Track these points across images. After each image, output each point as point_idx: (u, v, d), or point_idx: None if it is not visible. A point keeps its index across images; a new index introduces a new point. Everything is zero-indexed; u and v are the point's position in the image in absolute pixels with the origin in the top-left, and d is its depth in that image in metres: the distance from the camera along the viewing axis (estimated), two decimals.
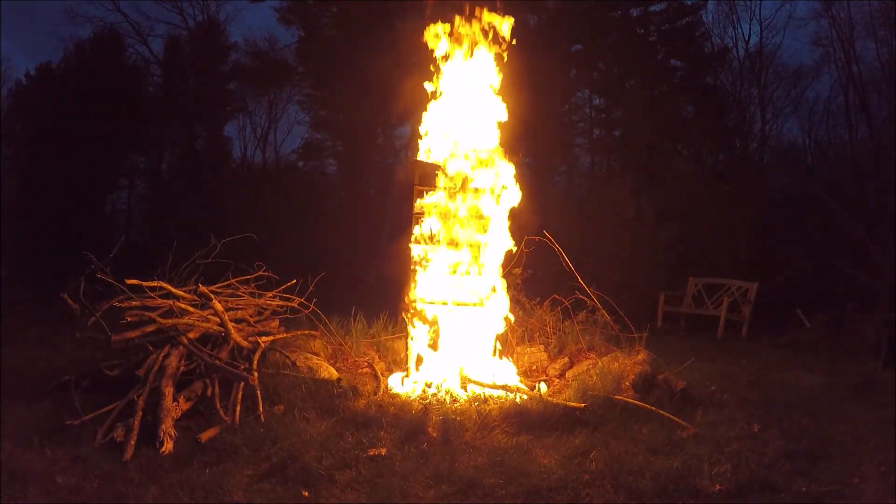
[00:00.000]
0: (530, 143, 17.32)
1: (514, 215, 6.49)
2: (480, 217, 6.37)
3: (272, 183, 19.21)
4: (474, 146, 6.48)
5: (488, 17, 6.57)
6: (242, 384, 4.99)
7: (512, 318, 6.44)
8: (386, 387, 5.57)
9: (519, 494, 3.73)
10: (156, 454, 4.16)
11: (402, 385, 5.80)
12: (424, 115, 6.63)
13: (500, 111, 6.54)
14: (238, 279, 6.61)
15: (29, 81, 21.57)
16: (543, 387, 5.87)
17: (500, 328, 6.28)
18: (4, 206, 16.98)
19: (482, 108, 6.57)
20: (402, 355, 6.28)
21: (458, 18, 6.55)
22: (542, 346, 6.73)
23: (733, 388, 6.03)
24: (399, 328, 7.00)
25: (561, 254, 6.69)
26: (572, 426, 4.73)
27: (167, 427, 4.34)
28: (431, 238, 6.32)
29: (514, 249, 6.44)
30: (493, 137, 6.53)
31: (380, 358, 6.59)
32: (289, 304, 6.73)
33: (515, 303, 7.02)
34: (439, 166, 6.46)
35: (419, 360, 5.99)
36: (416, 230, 6.33)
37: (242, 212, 14.72)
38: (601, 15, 19.64)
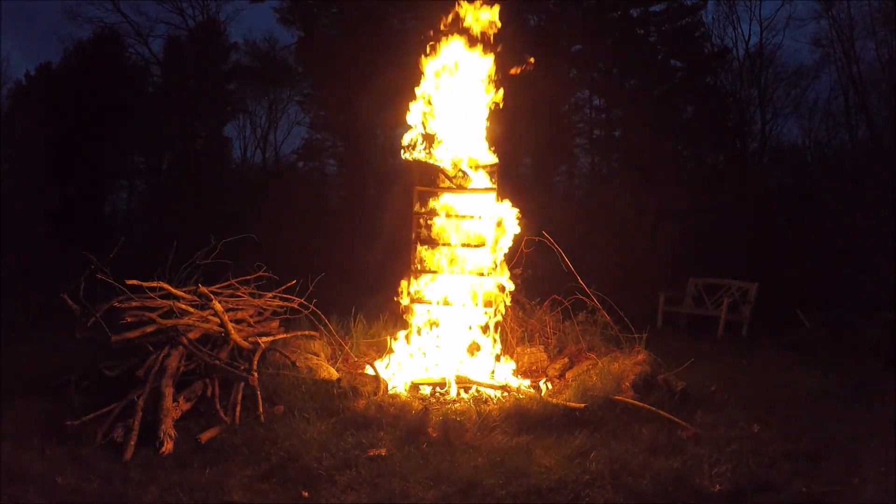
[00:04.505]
0: (530, 144, 17.32)
1: (512, 215, 6.50)
2: (478, 218, 6.39)
3: (272, 183, 19.20)
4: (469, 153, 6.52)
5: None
6: (242, 384, 5.00)
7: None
8: (386, 387, 5.57)
9: (519, 495, 3.74)
10: (156, 454, 4.17)
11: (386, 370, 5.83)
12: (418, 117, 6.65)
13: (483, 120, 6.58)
14: (238, 280, 6.61)
15: (29, 81, 21.58)
16: (543, 387, 5.87)
17: (498, 329, 6.29)
18: (4, 206, 16.96)
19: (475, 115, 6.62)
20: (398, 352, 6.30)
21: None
22: (541, 347, 6.73)
23: (733, 388, 6.03)
24: (399, 328, 7.00)
25: (561, 254, 6.69)
26: (572, 426, 4.73)
27: (167, 427, 4.34)
28: (431, 241, 6.35)
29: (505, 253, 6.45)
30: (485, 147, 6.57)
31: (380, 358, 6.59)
32: (289, 304, 6.73)
33: (515, 303, 7.03)
34: (439, 167, 6.48)
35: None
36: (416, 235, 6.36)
37: (242, 212, 14.71)
38: (601, 15, 19.65)
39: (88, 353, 5.85)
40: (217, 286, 6.20)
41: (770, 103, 19.71)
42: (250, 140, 23.10)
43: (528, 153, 18.54)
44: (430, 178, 6.54)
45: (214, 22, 21.72)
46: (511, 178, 6.61)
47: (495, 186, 6.48)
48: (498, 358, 6.20)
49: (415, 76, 6.68)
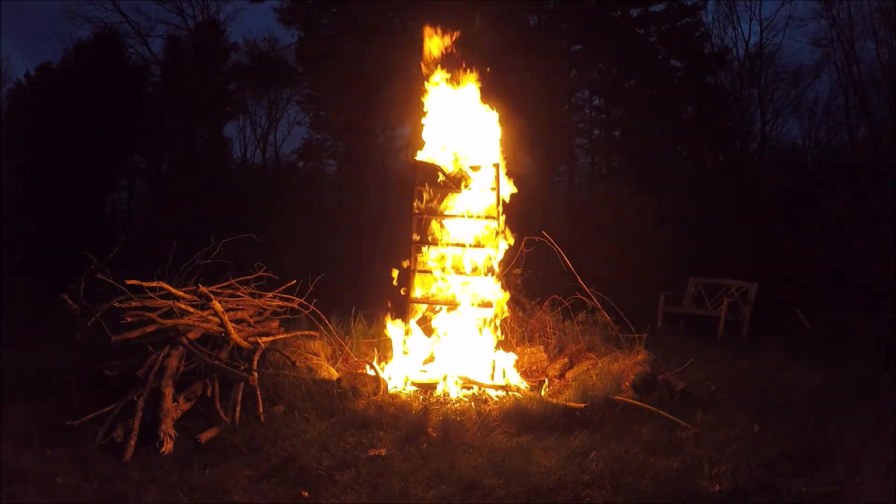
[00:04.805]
0: (530, 144, 17.31)
1: (513, 216, 6.51)
2: (478, 218, 6.40)
3: (272, 183, 19.19)
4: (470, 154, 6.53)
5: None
6: (242, 384, 5.00)
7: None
8: (386, 387, 5.57)
9: (519, 495, 3.74)
10: (156, 454, 4.16)
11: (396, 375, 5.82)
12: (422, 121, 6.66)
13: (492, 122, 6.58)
14: (238, 279, 6.61)
15: (29, 81, 21.55)
16: (543, 387, 5.87)
17: (499, 330, 6.28)
18: (4, 206, 16.97)
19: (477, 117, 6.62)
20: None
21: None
22: (541, 347, 6.74)
23: (733, 388, 6.03)
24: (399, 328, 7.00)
25: (560, 254, 6.70)
26: (572, 426, 4.73)
27: (167, 427, 4.34)
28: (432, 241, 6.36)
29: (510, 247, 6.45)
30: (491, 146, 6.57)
31: (380, 358, 6.59)
32: (289, 304, 6.73)
33: (515, 303, 7.03)
34: (439, 167, 6.48)
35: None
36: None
37: (242, 212, 14.71)
38: (601, 15, 19.63)
39: (88, 353, 5.85)
40: (217, 286, 6.20)
41: (770, 103, 19.71)
42: (250, 140, 23.12)
43: (528, 153, 18.52)
44: (430, 178, 6.55)
45: (214, 22, 21.70)
46: (511, 179, 6.60)
47: (495, 186, 6.47)
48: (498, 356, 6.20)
49: (414, 79, 6.69)
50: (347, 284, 9.70)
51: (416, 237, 6.49)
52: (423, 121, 6.67)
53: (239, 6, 25.76)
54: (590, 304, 6.95)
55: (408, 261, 6.41)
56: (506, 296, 6.41)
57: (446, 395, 5.54)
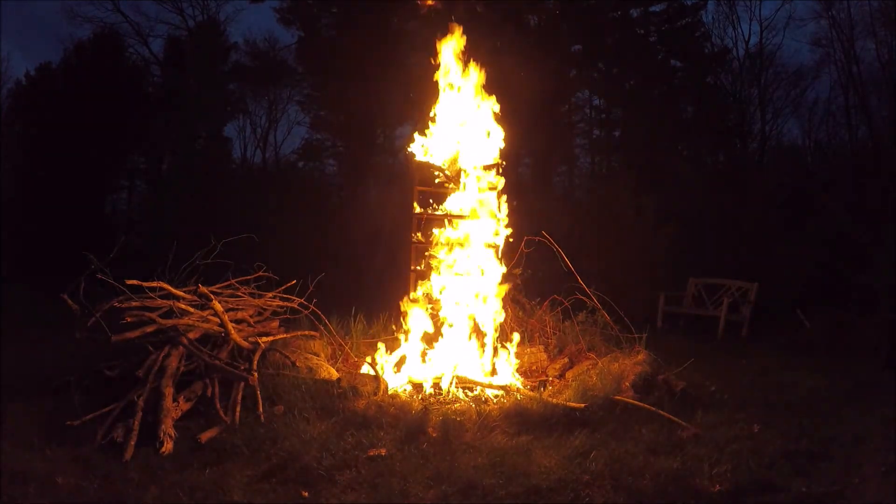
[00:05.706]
0: (530, 144, 17.31)
1: (513, 216, 6.51)
2: (478, 218, 6.39)
3: (272, 183, 19.19)
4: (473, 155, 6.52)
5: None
6: (242, 384, 5.00)
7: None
8: (386, 387, 5.57)
9: (519, 495, 3.74)
10: (156, 454, 4.17)
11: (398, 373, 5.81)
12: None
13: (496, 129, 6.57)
14: (238, 279, 6.62)
15: (29, 81, 21.56)
16: (543, 387, 5.87)
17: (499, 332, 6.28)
18: (4, 206, 16.98)
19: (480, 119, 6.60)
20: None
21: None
22: (541, 347, 6.73)
23: (733, 388, 6.03)
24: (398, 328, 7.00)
25: (560, 254, 6.70)
26: (572, 426, 4.73)
27: (167, 427, 4.34)
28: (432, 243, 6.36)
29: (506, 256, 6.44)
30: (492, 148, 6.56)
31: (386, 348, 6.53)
32: (289, 304, 6.73)
33: (515, 303, 7.02)
34: (440, 167, 6.48)
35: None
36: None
37: (242, 212, 14.70)
38: (601, 15, 19.64)
39: (88, 353, 5.84)
40: (217, 286, 6.20)
41: (770, 103, 19.75)
42: (250, 140, 23.15)
43: (528, 153, 18.53)
44: (430, 179, 6.55)
45: (214, 22, 21.74)
46: (511, 178, 6.59)
47: (496, 186, 6.47)
48: (496, 355, 6.20)
49: (415, 79, 6.69)
50: (347, 284, 9.71)
51: (416, 238, 6.49)
52: (425, 120, 6.67)
53: (239, 6, 25.85)
54: (590, 304, 6.95)
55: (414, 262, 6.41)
56: (503, 289, 6.38)
57: (446, 394, 5.53)
